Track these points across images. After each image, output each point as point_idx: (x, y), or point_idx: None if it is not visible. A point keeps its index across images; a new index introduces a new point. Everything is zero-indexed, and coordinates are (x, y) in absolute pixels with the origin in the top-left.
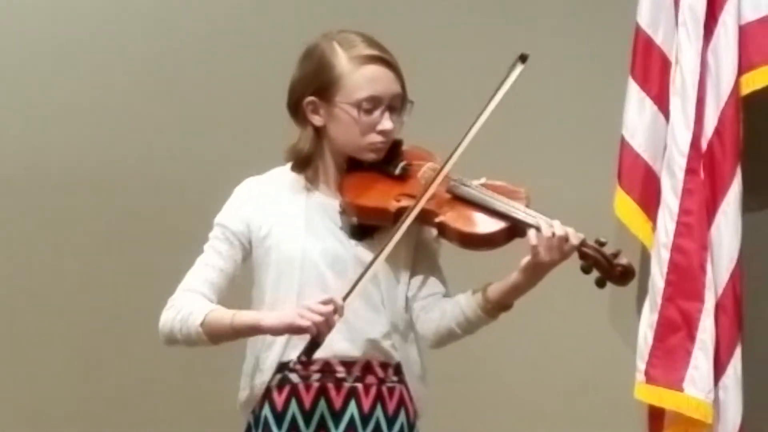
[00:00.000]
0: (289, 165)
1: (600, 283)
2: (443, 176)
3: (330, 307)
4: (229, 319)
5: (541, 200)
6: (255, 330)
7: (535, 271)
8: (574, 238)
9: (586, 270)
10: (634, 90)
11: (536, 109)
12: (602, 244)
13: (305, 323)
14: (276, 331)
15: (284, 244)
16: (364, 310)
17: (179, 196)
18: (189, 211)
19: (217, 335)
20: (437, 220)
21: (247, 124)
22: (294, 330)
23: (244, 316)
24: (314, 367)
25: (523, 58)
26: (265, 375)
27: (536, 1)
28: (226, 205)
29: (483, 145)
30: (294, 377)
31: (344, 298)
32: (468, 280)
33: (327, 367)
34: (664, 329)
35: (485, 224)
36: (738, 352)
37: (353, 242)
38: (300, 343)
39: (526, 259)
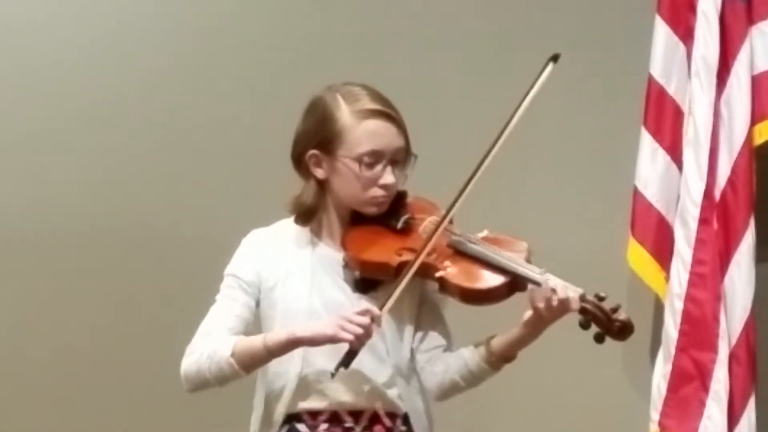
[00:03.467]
0: (293, 217)
1: (599, 339)
2: (442, 229)
3: (368, 319)
4: (261, 342)
5: (554, 251)
6: (292, 344)
7: (537, 325)
8: (573, 294)
9: (584, 325)
10: (647, 140)
11: (549, 158)
12: (602, 299)
13: (348, 336)
14: (315, 343)
15: (290, 297)
16: (370, 362)
17: (184, 250)
18: (195, 266)
19: (251, 361)
20: (437, 275)
21: (251, 177)
22: (335, 342)
23: (276, 335)
24: (322, 417)
25: (555, 58)
26: (274, 427)
27: (548, 51)
28: (235, 256)
29: (493, 196)
30: (302, 428)
31: (380, 308)
32: (473, 331)
33: (335, 418)
34: (677, 380)
35: (485, 279)
36: (752, 403)
37: (357, 295)
38: (308, 395)
39: (527, 313)
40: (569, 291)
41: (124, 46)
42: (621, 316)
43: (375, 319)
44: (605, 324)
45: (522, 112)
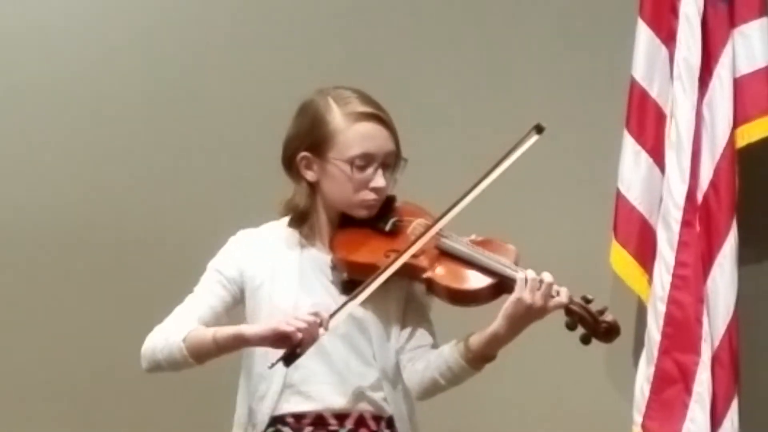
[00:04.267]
0: (283, 219)
1: (585, 340)
2: (433, 233)
3: (315, 318)
4: (211, 334)
5: (536, 253)
6: (238, 340)
7: (517, 322)
8: (561, 292)
9: (570, 326)
10: (629, 143)
11: (531, 161)
12: (588, 301)
13: (289, 329)
14: (259, 338)
15: (276, 298)
16: (356, 364)
17: (172, 251)
18: (185, 269)
19: (199, 351)
20: (425, 276)
21: (240, 179)
22: (278, 336)
23: (226, 329)
24: (307, 420)
25: (539, 129)
26: (258, 429)
27: (531, 53)
28: (220, 252)
29: (477, 198)
30: (287, 430)
31: (331, 315)
32: (461, 335)
33: (320, 421)
34: (660, 382)
35: (473, 280)
36: (735, 405)
37: (344, 297)
38: (292, 397)
39: (507, 306)
40: (556, 285)
41: (117, 49)
42: (608, 317)
43: (323, 323)
44: (592, 325)
45: (497, 174)
